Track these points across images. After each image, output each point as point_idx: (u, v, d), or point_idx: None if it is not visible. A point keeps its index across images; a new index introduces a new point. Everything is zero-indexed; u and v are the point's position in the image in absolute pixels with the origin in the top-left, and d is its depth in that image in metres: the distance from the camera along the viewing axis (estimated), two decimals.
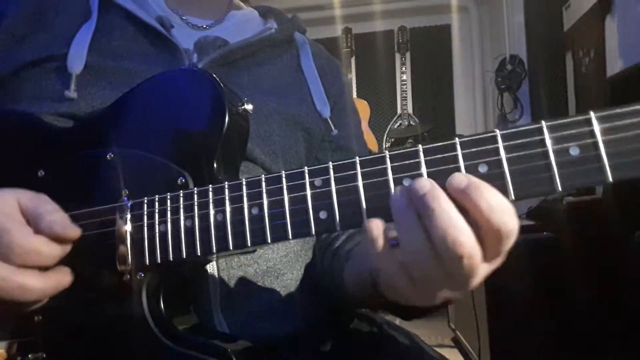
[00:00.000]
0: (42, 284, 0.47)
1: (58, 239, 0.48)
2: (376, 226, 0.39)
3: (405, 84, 3.42)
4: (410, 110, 3.42)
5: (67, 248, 0.49)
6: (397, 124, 3.42)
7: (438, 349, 0.67)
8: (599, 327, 1.49)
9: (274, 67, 0.76)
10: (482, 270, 0.38)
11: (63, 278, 0.49)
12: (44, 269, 0.48)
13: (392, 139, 3.31)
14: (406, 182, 0.41)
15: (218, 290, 0.61)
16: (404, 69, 3.43)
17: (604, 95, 2.01)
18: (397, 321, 0.70)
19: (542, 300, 1.55)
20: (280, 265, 0.66)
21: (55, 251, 0.48)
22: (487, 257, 0.38)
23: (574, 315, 1.54)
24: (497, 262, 0.39)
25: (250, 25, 0.80)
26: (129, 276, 0.51)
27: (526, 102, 2.78)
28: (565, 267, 1.56)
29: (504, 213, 0.36)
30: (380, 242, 0.39)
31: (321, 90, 0.77)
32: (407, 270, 0.39)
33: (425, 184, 0.38)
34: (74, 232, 0.49)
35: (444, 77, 3.44)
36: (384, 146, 3.31)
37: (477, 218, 0.36)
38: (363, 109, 3.30)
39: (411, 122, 3.39)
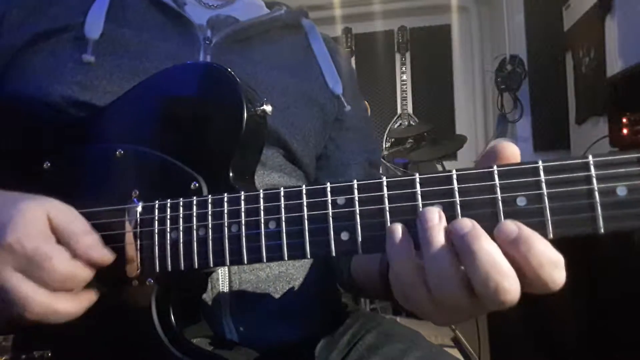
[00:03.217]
0: (75, 309, 0.47)
1: (93, 264, 0.47)
2: (399, 230, 0.38)
3: (405, 84, 3.42)
4: (410, 110, 3.41)
5: (96, 270, 0.48)
6: (397, 124, 3.42)
7: None
8: (598, 327, 1.49)
9: (285, 46, 0.77)
10: None
11: (91, 299, 0.49)
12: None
13: (392, 139, 3.31)
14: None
15: (228, 295, 0.60)
16: (404, 69, 3.42)
17: (604, 96, 2.00)
18: (398, 319, 0.70)
19: (542, 301, 1.55)
20: (293, 270, 0.66)
21: (89, 275, 0.48)
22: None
23: (573, 315, 1.54)
24: None
25: (258, 10, 0.81)
26: (137, 282, 0.50)
27: (526, 102, 2.77)
28: (565, 267, 1.56)
29: (554, 269, 0.34)
30: (405, 246, 0.37)
31: (332, 68, 0.78)
32: (432, 293, 0.37)
33: (467, 223, 0.36)
34: (109, 258, 0.48)
35: (444, 77, 3.44)
36: (384, 146, 3.30)
37: (525, 271, 0.35)
38: None
39: (411, 122, 3.39)
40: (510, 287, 0.34)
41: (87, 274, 0.47)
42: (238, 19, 0.74)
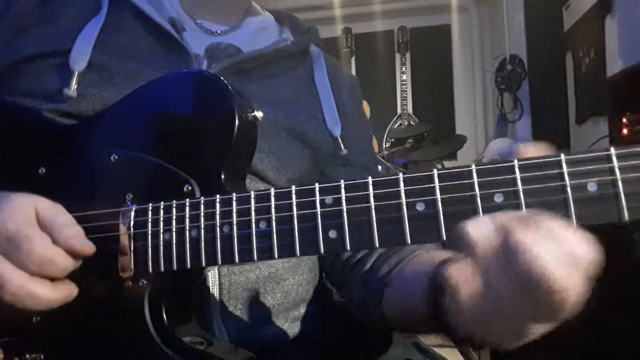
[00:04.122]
0: (53, 295, 0.47)
1: (74, 254, 0.48)
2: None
3: (405, 84, 3.42)
4: (410, 110, 3.41)
5: (79, 262, 0.49)
6: (397, 124, 3.42)
7: (438, 349, 0.67)
8: (598, 327, 1.48)
9: (286, 80, 0.74)
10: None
11: (72, 291, 0.49)
12: (52, 279, 0.48)
13: (392, 139, 3.31)
14: (420, 207, 0.40)
15: (218, 296, 0.60)
16: (404, 69, 3.42)
17: (604, 96, 2.00)
18: None
19: None
20: (283, 271, 0.66)
21: (69, 264, 0.48)
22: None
23: (574, 315, 1.54)
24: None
25: (265, 34, 0.77)
26: (130, 283, 0.51)
27: (526, 102, 2.77)
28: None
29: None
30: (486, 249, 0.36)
31: (333, 106, 0.75)
32: (496, 303, 0.36)
33: (503, 218, 0.36)
34: (90, 248, 0.49)
35: (444, 77, 3.44)
36: (384, 146, 3.31)
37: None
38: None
39: (411, 122, 3.39)
40: (556, 273, 0.33)
41: (67, 262, 0.48)
42: (240, 47, 0.71)
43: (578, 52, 2.44)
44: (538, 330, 0.38)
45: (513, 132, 2.84)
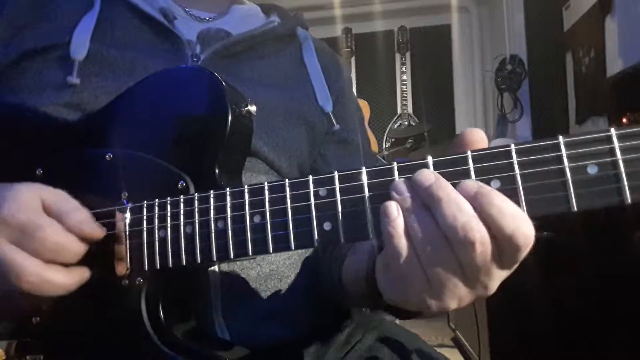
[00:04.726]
0: (68, 280, 0.48)
1: (85, 238, 0.49)
2: (393, 207, 0.38)
3: (405, 84, 3.42)
4: (410, 110, 3.42)
5: (88, 246, 0.50)
6: (397, 124, 3.42)
7: (438, 349, 0.67)
8: (599, 327, 1.48)
9: (276, 61, 0.76)
10: (498, 274, 0.37)
11: (84, 274, 0.50)
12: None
13: (392, 139, 3.31)
14: None
15: (219, 294, 0.60)
16: (404, 69, 3.43)
17: (604, 96, 2.01)
18: (397, 320, 0.70)
19: (542, 301, 1.55)
20: (284, 268, 0.66)
21: (81, 249, 0.49)
22: (502, 265, 0.36)
23: (574, 315, 1.54)
24: (512, 269, 0.38)
25: (253, 19, 0.80)
26: (127, 281, 0.51)
27: (526, 102, 2.77)
28: (565, 267, 1.56)
29: (516, 219, 0.34)
30: (399, 221, 0.37)
31: (324, 84, 0.77)
32: (422, 264, 0.37)
33: (429, 176, 0.37)
34: (100, 231, 0.50)
35: (444, 77, 3.44)
36: (384, 146, 3.31)
37: (489, 225, 0.35)
38: (363, 109, 3.29)
39: (411, 122, 3.39)
40: (477, 226, 0.35)
41: (78, 247, 0.48)
42: (230, 32, 0.73)
43: (578, 52, 2.44)
44: (459, 294, 0.38)
45: (513, 132, 2.84)
